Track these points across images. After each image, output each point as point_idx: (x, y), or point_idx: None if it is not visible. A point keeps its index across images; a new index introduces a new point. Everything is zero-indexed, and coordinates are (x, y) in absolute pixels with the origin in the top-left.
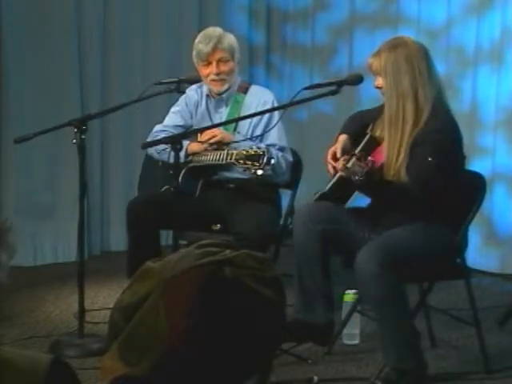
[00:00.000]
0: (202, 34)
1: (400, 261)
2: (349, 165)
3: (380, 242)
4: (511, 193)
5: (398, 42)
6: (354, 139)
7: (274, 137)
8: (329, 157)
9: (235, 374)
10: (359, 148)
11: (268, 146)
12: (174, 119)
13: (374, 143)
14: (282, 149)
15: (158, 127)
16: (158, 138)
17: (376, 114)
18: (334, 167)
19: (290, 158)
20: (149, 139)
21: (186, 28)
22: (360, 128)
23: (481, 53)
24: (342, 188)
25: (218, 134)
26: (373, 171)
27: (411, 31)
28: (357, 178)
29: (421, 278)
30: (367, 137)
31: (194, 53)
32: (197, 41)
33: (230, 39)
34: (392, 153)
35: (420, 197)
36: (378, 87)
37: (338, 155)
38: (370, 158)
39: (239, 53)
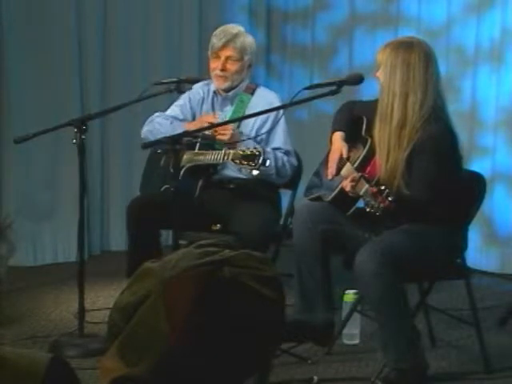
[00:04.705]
0: (221, 27)
1: (400, 261)
2: (361, 192)
3: (380, 243)
4: (511, 193)
5: (405, 43)
6: (347, 135)
7: (280, 141)
8: (333, 162)
9: (235, 374)
10: (360, 158)
11: (273, 149)
12: (174, 111)
13: (372, 153)
14: (287, 153)
15: (156, 114)
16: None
17: (369, 107)
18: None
19: (295, 163)
20: (145, 126)
21: (186, 28)
22: (350, 121)
23: (481, 53)
24: (344, 198)
25: (230, 130)
26: (391, 207)
27: (411, 31)
28: (372, 210)
29: (421, 278)
30: (368, 146)
31: (210, 44)
32: (214, 33)
33: (246, 40)
34: (386, 167)
35: (424, 208)
36: (376, 76)
37: (345, 155)
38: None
39: (253, 55)
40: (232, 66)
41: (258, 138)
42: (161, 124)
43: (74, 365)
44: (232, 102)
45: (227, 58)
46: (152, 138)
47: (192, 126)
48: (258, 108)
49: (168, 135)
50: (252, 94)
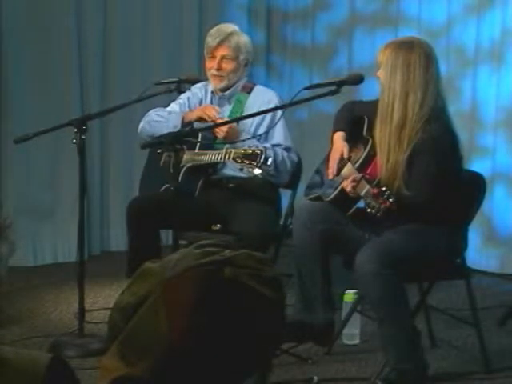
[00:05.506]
0: (216, 27)
1: (400, 261)
2: (361, 193)
3: (380, 243)
4: (511, 193)
5: (405, 43)
6: (348, 134)
7: (280, 137)
8: (334, 162)
9: (235, 374)
10: (361, 159)
11: (274, 145)
12: (173, 108)
13: (373, 153)
14: (287, 149)
15: (154, 110)
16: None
17: (370, 107)
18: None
19: (296, 159)
20: (142, 121)
21: (186, 28)
22: (351, 121)
23: (481, 53)
24: (344, 199)
25: (226, 130)
26: (392, 208)
27: (411, 31)
28: (373, 211)
29: (421, 278)
30: (369, 146)
31: (205, 44)
32: (209, 33)
33: (240, 39)
34: (386, 168)
35: (424, 208)
36: (377, 76)
37: (346, 155)
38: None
39: (248, 54)
40: (227, 65)
41: (257, 136)
42: (159, 115)
43: (74, 365)
44: (229, 101)
45: (222, 58)
46: (149, 129)
47: (190, 115)
48: (255, 106)
49: (167, 131)
50: (249, 92)
